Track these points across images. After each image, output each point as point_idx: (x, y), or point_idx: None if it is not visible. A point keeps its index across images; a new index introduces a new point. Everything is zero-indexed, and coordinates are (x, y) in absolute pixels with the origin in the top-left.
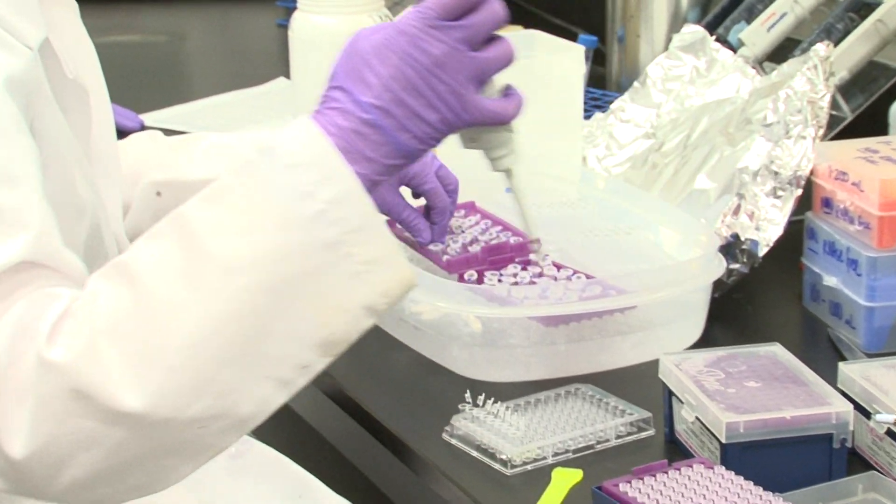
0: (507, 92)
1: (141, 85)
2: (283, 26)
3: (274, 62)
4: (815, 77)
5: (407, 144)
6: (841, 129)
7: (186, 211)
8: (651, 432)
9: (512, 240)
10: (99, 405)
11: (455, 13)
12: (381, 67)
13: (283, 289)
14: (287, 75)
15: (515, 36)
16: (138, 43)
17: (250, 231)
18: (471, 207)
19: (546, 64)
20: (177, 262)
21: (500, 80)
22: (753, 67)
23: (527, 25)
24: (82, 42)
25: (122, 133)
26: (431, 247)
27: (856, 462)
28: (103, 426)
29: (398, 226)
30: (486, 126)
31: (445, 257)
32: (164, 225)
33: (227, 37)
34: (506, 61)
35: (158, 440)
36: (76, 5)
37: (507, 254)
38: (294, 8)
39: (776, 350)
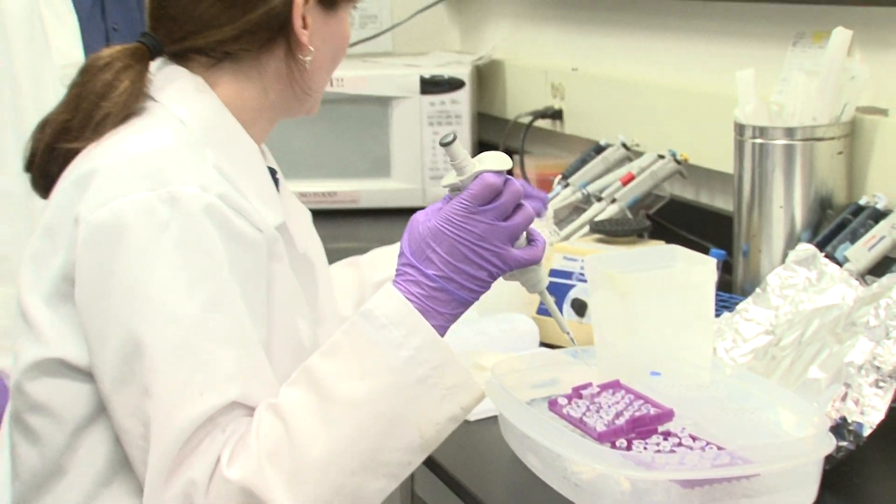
0: (532, 237)
1: None
2: None
3: None
4: None
5: (466, 298)
6: None
7: (312, 364)
8: None
9: (652, 411)
10: None
11: (487, 199)
12: (438, 248)
13: (391, 415)
14: None
15: (660, 249)
16: (356, 249)
17: (362, 376)
18: (616, 385)
19: (684, 273)
20: (312, 402)
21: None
22: (857, 280)
23: (668, 241)
24: (311, 230)
25: None
26: (586, 420)
27: None
28: None
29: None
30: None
31: (598, 430)
32: (298, 375)
33: None
34: (529, 221)
35: None
36: (307, 210)
37: (648, 424)
38: None
39: None
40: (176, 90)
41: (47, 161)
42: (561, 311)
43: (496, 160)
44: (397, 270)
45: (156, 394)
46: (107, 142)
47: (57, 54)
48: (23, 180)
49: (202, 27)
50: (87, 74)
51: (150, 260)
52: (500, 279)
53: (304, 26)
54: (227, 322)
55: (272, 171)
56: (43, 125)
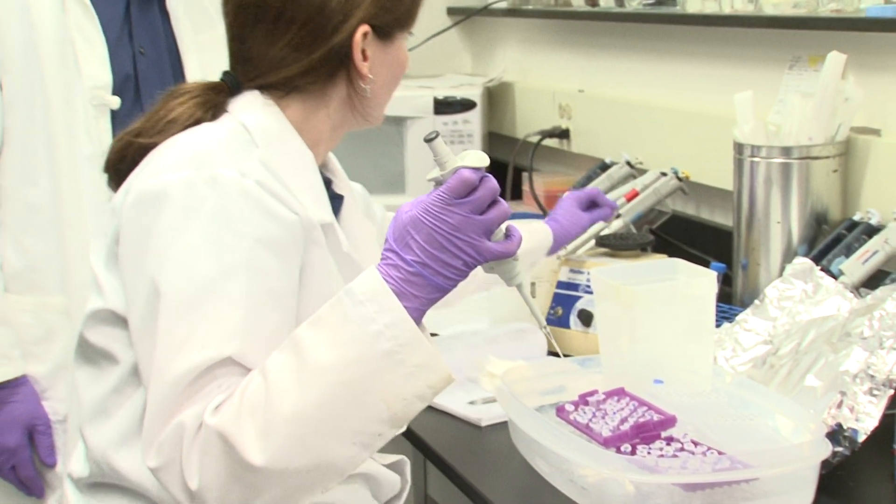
0: (509, 233)
1: None
2: None
3: None
4: None
5: (442, 284)
6: None
7: (299, 332)
8: None
9: (655, 417)
10: (238, 457)
11: (463, 193)
12: (417, 235)
13: (357, 383)
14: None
15: (663, 263)
16: None
17: (335, 345)
18: (621, 392)
19: (686, 285)
20: (291, 365)
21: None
22: (852, 292)
23: (671, 254)
24: (372, 244)
25: None
26: (592, 426)
27: None
28: (242, 471)
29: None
30: (498, 260)
31: (603, 436)
32: (287, 342)
33: None
34: (504, 217)
35: (278, 483)
36: (373, 228)
37: (651, 430)
38: None
39: None
40: (245, 102)
41: (118, 161)
42: (568, 321)
43: (475, 158)
44: (382, 255)
45: (161, 341)
46: (170, 139)
47: (86, 76)
48: (52, 195)
49: (274, 67)
50: (168, 97)
51: (183, 225)
52: (482, 271)
53: (364, 58)
54: (240, 289)
55: (328, 181)
56: (121, 134)
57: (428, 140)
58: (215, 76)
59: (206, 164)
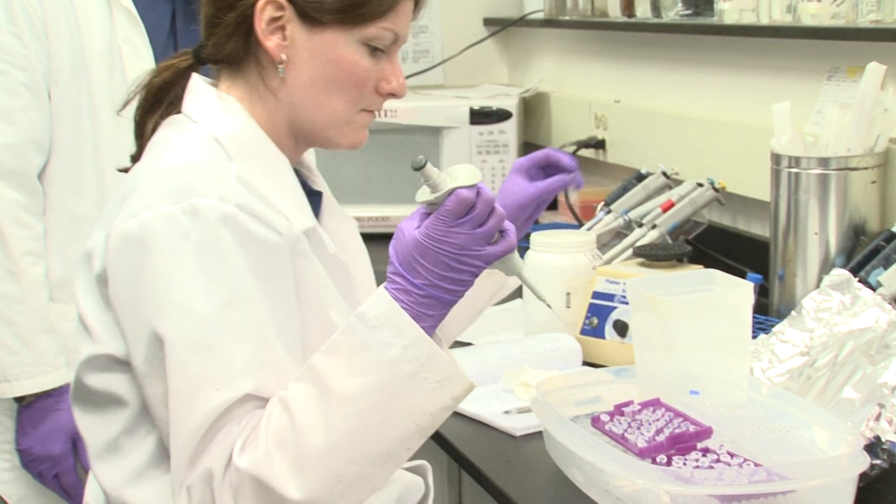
0: (504, 229)
1: None
2: None
3: None
4: None
5: (453, 298)
6: None
7: (315, 361)
8: None
9: (691, 428)
10: (276, 496)
11: (463, 213)
12: (423, 259)
13: (384, 408)
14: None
15: (699, 273)
16: None
17: (356, 372)
18: (657, 403)
19: (722, 296)
20: (313, 396)
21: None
22: (890, 304)
23: (706, 265)
24: (355, 238)
25: None
26: (628, 436)
27: None
28: None
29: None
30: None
31: (639, 446)
32: (304, 371)
33: None
34: (502, 221)
35: None
36: (353, 221)
37: (687, 441)
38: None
39: None
40: (198, 96)
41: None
42: (603, 331)
43: (467, 175)
44: (388, 276)
45: (175, 387)
46: (147, 160)
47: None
48: (98, 205)
49: (207, 32)
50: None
51: (173, 265)
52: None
53: (284, 38)
54: (243, 320)
55: (308, 186)
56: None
57: (417, 168)
58: None
59: (184, 195)
